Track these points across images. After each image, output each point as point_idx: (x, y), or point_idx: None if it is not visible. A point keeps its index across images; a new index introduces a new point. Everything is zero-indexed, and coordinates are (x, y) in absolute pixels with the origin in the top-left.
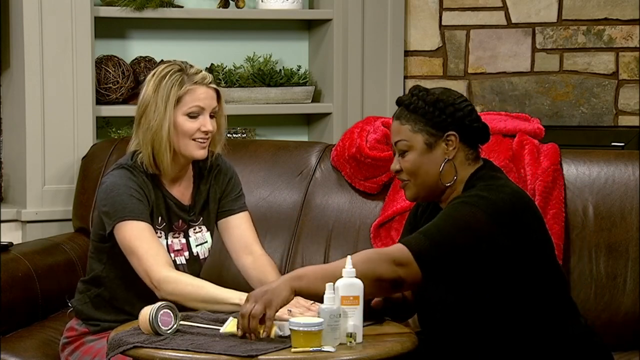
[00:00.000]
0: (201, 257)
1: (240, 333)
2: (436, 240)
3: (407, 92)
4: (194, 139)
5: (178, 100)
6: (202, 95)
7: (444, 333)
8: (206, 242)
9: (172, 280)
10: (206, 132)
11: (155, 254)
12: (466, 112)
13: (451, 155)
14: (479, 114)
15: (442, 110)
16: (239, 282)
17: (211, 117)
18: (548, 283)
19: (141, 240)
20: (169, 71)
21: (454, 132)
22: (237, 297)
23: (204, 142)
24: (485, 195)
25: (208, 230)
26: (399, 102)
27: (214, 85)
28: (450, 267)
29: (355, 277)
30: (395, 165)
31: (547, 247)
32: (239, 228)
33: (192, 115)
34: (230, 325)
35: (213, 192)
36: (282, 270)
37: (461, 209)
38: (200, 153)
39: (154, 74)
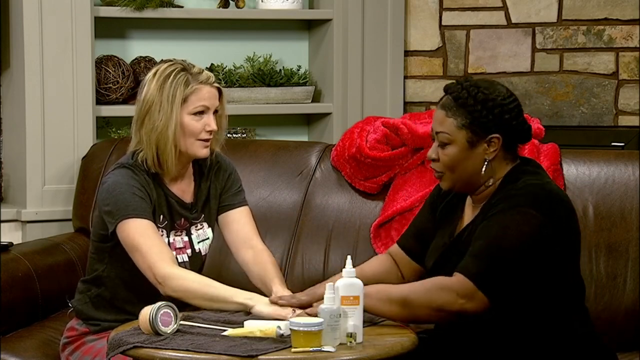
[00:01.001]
0: (203, 253)
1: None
2: (495, 261)
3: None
4: (198, 139)
5: (184, 100)
6: (207, 95)
7: (458, 331)
8: (208, 238)
9: (176, 277)
10: (210, 132)
11: (159, 250)
12: (513, 114)
13: (491, 156)
14: None
15: (490, 111)
16: (238, 281)
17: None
18: (568, 285)
19: (145, 237)
20: (173, 70)
21: (497, 135)
22: (242, 296)
23: (208, 141)
24: (531, 190)
25: (209, 226)
26: (448, 91)
27: (217, 84)
28: (515, 282)
29: (413, 304)
30: (432, 154)
31: (576, 248)
32: (239, 222)
33: (197, 115)
34: (239, 330)
35: (214, 189)
36: (283, 270)
37: (511, 215)
38: (204, 152)
39: (155, 73)
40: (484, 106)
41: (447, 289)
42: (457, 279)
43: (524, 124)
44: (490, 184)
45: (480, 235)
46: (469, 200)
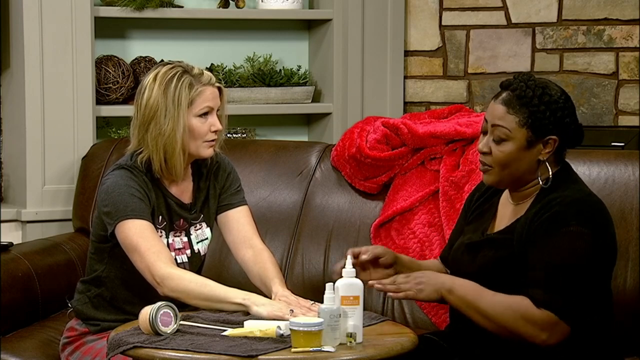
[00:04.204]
0: (202, 253)
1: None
2: (567, 287)
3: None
4: (205, 140)
5: (190, 103)
6: (210, 96)
7: (463, 331)
8: (207, 238)
9: (175, 277)
10: (216, 132)
11: (157, 251)
12: (572, 119)
13: (545, 157)
14: (479, 114)
15: (553, 113)
16: (238, 281)
17: None
18: (601, 292)
19: (143, 238)
20: (175, 74)
21: (555, 137)
22: (240, 296)
23: (214, 142)
24: (577, 207)
25: (208, 226)
26: (510, 87)
27: (218, 84)
28: (589, 299)
29: (496, 321)
30: (484, 147)
31: (615, 258)
32: (238, 222)
33: (202, 116)
34: (239, 330)
35: (213, 189)
36: (283, 270)
37: (564, 237)
38: (209, 152)
39: (156, 77)
40: (548, 107)
41: (533, 321)
42: (543, 315)
43: (580, 127)
44: (533, 184)
45: (538, 262)
46: (504, 198)
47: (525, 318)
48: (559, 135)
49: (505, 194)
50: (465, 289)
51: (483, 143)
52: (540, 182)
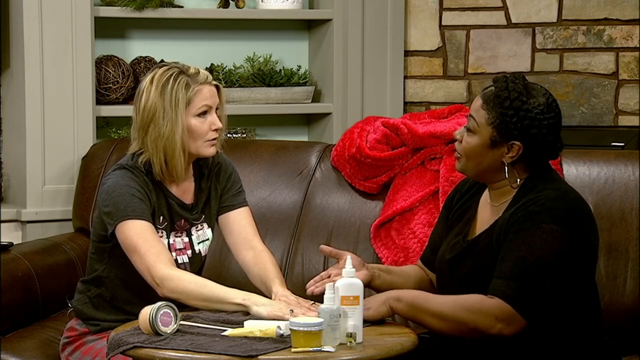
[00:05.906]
0: (203, 254)
1: None
2: (529, 281)
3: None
4: (206, 140)
5: (187, 103)
6: (208, 94)
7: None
8: (208, 239)
9: (174, 278)
10: (216, 130)
11: (157, 252)
12: (543, 131)
13: (508, 160)
14: None
15: (521, 120)
16: (238, 281)
17: None
18: (584, 290)
19: (143, 239)
20: (171, 75)
21: (519, 143)
22: (240, 296)
23: (215, 140)
24: (551, 205)
25: (209, 227)
26: (496, 83)
27: (215, 82)
28: (547, 298)
29: (448, 319)
30: (457, 135)
31: (595, 255)
32: (239, 223)
33: (201, 116)
34: (239, 330)
35: (214, 189)
36: (283, 270)
37: (536, 233)
38: (212, 150)
39: (152, 79)
40: (516, 113)
41: (485, 312)
42: (495, 303)
43: (551, 142)
44: (505, 184)
45: (507, 256)
46: (483, 199)
47: (478, 310)
48: (524, 143)
49: (485, 195)
50: (414, 294)
51: (459, 130)
52: (509, 184)
